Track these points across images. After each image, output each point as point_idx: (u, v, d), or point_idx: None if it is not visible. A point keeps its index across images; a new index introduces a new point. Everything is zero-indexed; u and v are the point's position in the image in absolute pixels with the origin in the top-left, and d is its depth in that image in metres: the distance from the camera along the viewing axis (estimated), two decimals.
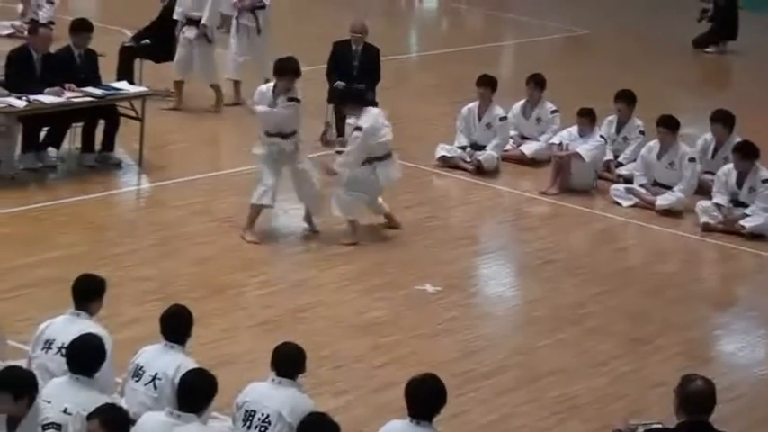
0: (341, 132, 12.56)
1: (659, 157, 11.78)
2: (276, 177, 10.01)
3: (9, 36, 15.24)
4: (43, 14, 15.09)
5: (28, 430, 5.73)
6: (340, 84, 12.58)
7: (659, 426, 5.78)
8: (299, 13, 19.03)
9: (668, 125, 11.73)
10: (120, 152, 11.59)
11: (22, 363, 6.41)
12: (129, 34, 13.64)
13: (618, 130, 12.58)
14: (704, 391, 5.57)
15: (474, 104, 12.56)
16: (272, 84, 10.10)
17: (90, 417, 5.53)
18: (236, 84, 13.66)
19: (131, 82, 12.36)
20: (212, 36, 13.15)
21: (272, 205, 10.09)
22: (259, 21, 13.40)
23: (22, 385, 5.69)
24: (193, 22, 13.06)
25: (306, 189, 10.20)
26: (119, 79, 12.20)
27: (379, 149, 10.11)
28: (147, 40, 13.42)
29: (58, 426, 5.77)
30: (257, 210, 10.04)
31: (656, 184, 11.78)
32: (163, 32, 13.32)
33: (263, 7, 13.43)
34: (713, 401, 5.56)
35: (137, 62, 13.37)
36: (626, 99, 12.48)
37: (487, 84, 12.48)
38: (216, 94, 13.30)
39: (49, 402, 5.83)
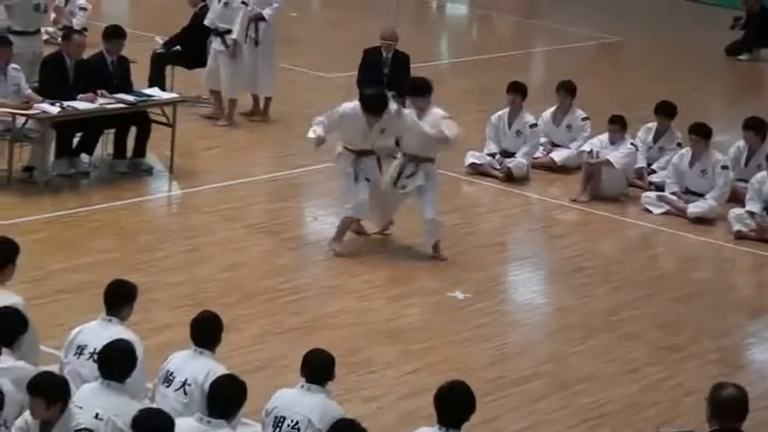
0: None
1: (691, 164, 11.71)
2: (365, 190, 9.91)
3: (43, 42, 15.35)
4: (77, 21, 15.18)
5: None
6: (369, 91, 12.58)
7: None
8: (329, 21, 19.08)
9: (700, 133, 11.66)
10: (151, 158, 11.65)
11: (55, 368, 6.45)
12: (161, 41, 13.69)
13: (655, 140, 12.50)
14: (736, 398, 5.53)
15: (504, 111, 12.54)
16: (353, 104, 9.84)
17: (134, 424, 5.53)
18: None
19: (163, 88, 12.42)
20: (238, 51, 12.93)
21: (365, 218, 10.16)
22: (259, 33, 13.15)
23: (54, 391, 5.72)
24: (219, 33, 12.99)
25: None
26: (151, 86, 12.25)
27: (429, 145, 9.98)
28: (179, 47, 13.48)
29: (90, 431, 5.80)
30: (350, 222, 10.01)
31: (687, 191, 11.71)
32: (194, 39, 13.37)
33: (263, 19, 13.12)
34: (746, 409, 5.52)
35: (168, 68, 13.43)
36: (665, 111, 12.40)
37: (517, 91, 12.46)
38: (229, 108, 13.01)
39: (80, 408, 5.86)
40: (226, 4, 12.89)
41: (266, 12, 13.11)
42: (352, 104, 9.89)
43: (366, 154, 9.92)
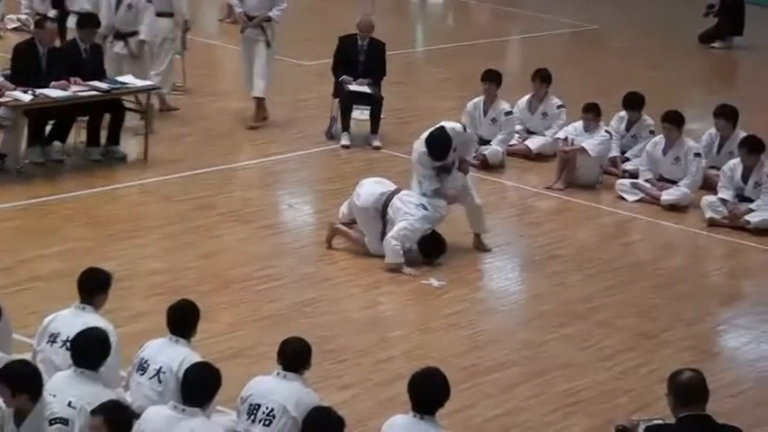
0: (346, 127, 12.57)
1: (664, 152, 11.76)
2: None
3: (15, 29, 15.26)
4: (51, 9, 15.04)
5: (34, 425, 5.74)
6: (346, 78, 12.59)
7: (660, 421, 5.76)
8: (306, 9, 19.02)
9: (673, 120, 11.71)
10: (125, 146, 11.59)
11: (28, 356, 6.42)
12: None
13: (628, 128, 12.55)
14: (695, 379, 5.55)
15: (479, 99, 12.56)
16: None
17: (94, 413, 5.54)
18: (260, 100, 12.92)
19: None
20: (143, 52, 12.33)
21: None
22: (267, 34, 12.72)
23: (20, 381, 5.66)
24: (122, 35, 12.23)
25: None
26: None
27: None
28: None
29: (64, 420, 5.77)
30: None
31: (661, 179, 11.77)
32: None
33: (270, 20, 12.71)
34: (706, 389, 5.54)
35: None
36: (632, 104, 12.44)
37: (492, 79, 12.48)
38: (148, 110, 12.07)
39: (53, 396, 5.84)
40: (129, 6, 12.15)
41: (274, 13, 12.66)
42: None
43: None
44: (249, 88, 12.94)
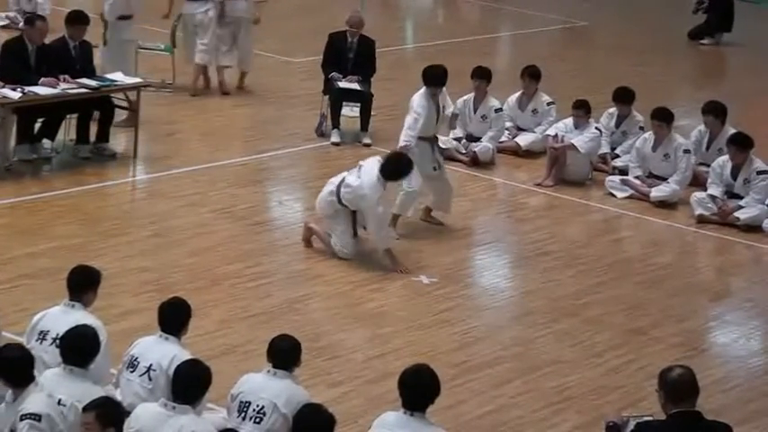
0: (336, 124, 12.57)
1: (654, 148, 11.79)
2: None
3: (4, 27, 15.21)
4: (41, 8, 14.99)
5: (11, 415, 5.77)
6: (336, 75, 12.59)
7: (650, 418, 5.77)
8: (297, 6, 19.02)
9: (662, 117, 11.73)
10: (114, 143, 11.58)
11: None
12: None
13: (618, 125, 12.57)
14: (685, 375, 5.57)
15: (469, 96, 12.57)
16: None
17: (86, 409, 5.55)
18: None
19: None
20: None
21: None
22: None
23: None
24: None
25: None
26: None
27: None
28: None
29: (36, 416, 5.70)
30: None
31: (651, 175, 11.79)
32: None
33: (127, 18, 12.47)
34: (696, 386, 5.56)
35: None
36: (623, 98, 12.46)
37: (482, 76, 12.49)
38: None
39: (42, 393, 5.83)
40: None
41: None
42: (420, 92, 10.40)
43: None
44: None
